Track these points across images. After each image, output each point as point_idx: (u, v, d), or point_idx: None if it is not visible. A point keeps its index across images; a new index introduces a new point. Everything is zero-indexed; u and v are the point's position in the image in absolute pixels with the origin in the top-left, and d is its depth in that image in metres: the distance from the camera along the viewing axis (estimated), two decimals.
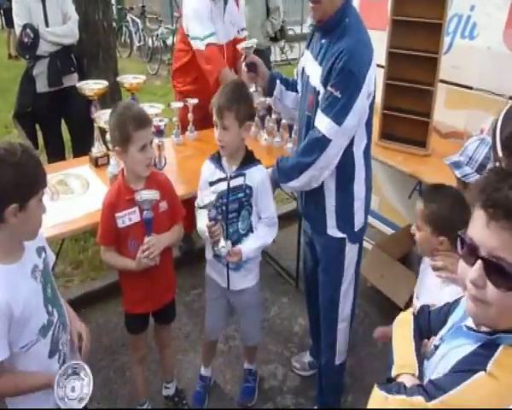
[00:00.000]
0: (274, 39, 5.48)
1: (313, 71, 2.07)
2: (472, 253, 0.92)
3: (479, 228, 0.91)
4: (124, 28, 10.78)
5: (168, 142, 3.06)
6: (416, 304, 1.83)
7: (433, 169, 2.89)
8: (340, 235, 2.20)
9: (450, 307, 1.24)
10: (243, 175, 2.11)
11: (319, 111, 1.98)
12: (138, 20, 10.47)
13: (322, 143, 1.98)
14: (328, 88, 1.93)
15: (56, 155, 3.45)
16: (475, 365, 0.92)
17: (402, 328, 1.25)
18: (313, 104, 2.05)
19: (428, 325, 1.24)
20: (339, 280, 2.28)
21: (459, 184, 1.97)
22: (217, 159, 2.16)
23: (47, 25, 3.58)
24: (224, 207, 2.13)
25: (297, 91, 2.35)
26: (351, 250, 2.25)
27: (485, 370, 0.90)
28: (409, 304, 2.10)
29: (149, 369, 2.71)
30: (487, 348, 0.93)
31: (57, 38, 3.58)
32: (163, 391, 2.56)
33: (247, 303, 2.38)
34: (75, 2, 3.84)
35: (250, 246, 2.15)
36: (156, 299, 2.20)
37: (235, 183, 2.11)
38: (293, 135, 3.06)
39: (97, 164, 2.64)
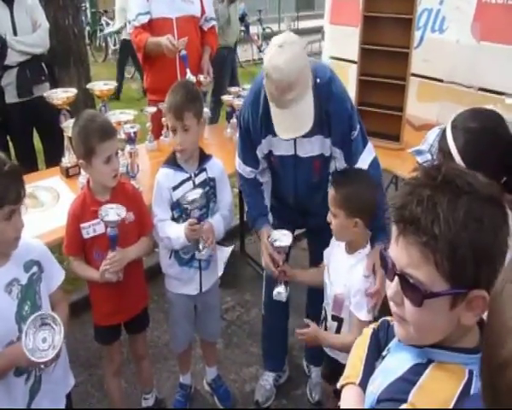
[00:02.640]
0: None
1: (309, 146, 2.05)
2: (391, 269, 0.90)
3: (393, 244, 0.89)
4: (98, 32, 10.67)
5: (142, 148, 3.03)
6: (330, 291, 1.97)
7: (407, 163, 2.89)
8: None
9: None
10: (205, 170, 2.17)
11: (361, 156, 2.06)
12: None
13: (377, 163, 2.13)
14: (353, 136, 2.03)
15: (29, 166, 3.33)
16: (399, 393, 0.89)
17: (359, 341, 1.23)
18: (321, 168, 2.14)
19: (387, 338, 1.21)
20: None
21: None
22: (173, 163, 2.15)
23: (15, 33, 3.47)
24: None
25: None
26: None
27: (406, 400, 0.87)
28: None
29: (128, 381, 2.67)
30: (416, 370, 0.90)
31: (26, 48, 3.48)
32: (142, 403, 2.51)
33: (213, 299, 2.41)
34: (44, 7, 3.75)
35: (217, 220, 2.18)
36: (126, 311, 2.16)
37: (199, 179, 2.16)
38: None
39: (68, 174, 2.60)
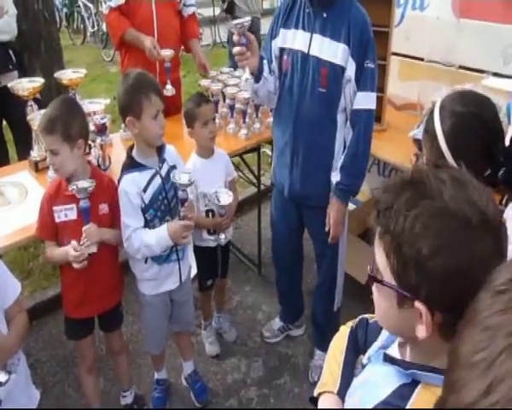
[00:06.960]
0: None
1: (322, 46, 2.10)
2: None
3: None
4: (75, 14, 10.34)
5: (117, 137, 2.93)
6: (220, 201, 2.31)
7: (389, 144, 2.87)
8: None
9: None
10: (165, 160, 2.09)
11: (365, 92, 2.11)
12: (91, 5, 10.03)
13: (372, 116, 2.19)
14: (368, 64, 2.08)
15: None
16: None
17: (337, 341, 1.18)
18: (328, 79, 2.12)
19: (365, 337, 1.15)
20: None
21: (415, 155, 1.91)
22: (134, 165, 2.01)
23: None
24: (165, 202, 2.07)
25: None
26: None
27: None
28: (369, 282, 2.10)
29: (106, 378, 2.61)
30: (402, 393, 0.84)
31: None
32: (121, 400, 2.46)
33: (188, 288, 2.36)
34: None
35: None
36: (98, 303, 2.09)
37: (164, 171, 2.07)
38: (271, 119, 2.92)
39: (37, 168, 2.48)
